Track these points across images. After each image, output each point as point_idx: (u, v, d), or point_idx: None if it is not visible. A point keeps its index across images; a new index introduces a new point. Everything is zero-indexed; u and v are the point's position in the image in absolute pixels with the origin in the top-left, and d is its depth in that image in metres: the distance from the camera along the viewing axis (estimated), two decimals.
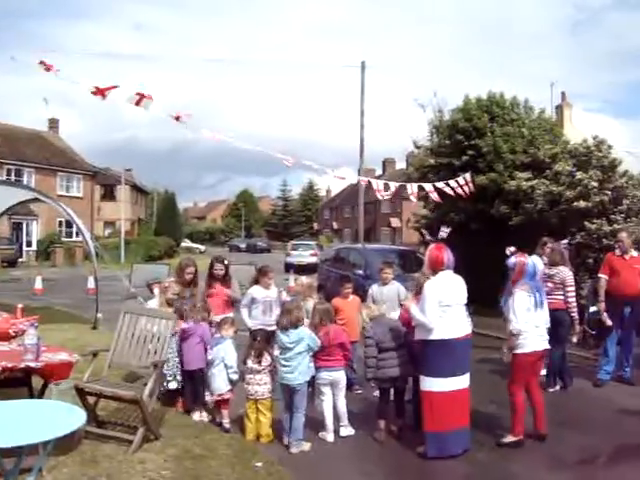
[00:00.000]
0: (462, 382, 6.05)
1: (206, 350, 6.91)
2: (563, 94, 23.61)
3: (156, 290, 8.42)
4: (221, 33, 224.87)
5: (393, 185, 12.98)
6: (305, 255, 34.21)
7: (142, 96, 9.88)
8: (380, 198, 13.48)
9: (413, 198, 12.68)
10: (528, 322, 6.28)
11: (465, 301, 6.17)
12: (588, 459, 6.11)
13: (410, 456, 6.07)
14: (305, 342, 6.27)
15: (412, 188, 12.43)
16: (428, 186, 12.69)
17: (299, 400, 6.27)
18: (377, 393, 6.91)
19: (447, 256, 6.19)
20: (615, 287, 8.85)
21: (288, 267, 30.67)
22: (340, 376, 6.56)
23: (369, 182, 14.28)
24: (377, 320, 6.75)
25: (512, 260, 6.56)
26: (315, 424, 6.56)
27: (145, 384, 6.31)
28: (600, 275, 9.22)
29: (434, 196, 12.58)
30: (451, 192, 12.01)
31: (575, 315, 8.45)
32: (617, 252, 9.04)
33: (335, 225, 79.33)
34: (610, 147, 13.79)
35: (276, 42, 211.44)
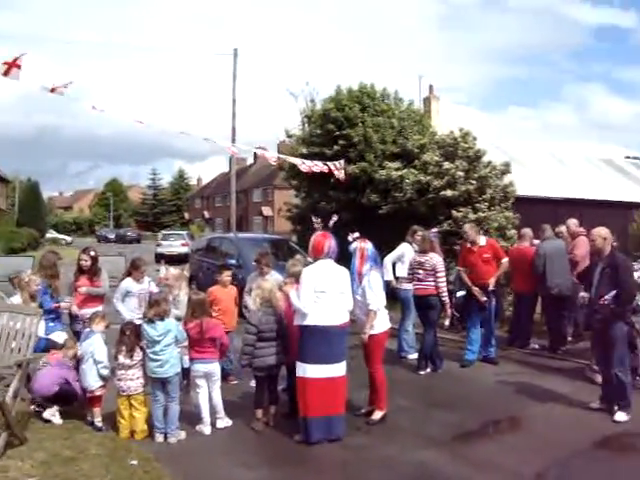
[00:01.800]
0: (337, 370, 6.11)
1: None
2: (431, 87, 24.35)
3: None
4: (89, 16, 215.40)
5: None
6: (176, 245, 33.48)
7: (11, 65, 8.62)
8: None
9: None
10: (383, 302, 6.68)
11: (344, 289, 6.23)
12: (457, 436, 6.36)
13: (288, 444, 6.08)
14: (173, 334, 6.16)
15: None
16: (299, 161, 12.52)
17: (172, 390, 6.16)
18: (253, 383, 6.87)
19: (329, 244, 6.25)
20: (471, 276, 9.32)
21: (158, 258, 29.91)
22: (214, 368, 6.46)
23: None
24: (263, 307, 6.63)
25: (353, 245, 6.89)
26: (191, 417, 6.45)
27: (8, 385, 5.86)
28: (458, 268, 9.73)
29: (304, 167, 12.28)
30: (324, 168, 11.88)
31: (446, 300, 8.80)
32: (467, 244, 9.49)
33: (207, 214, 78.33)
34: (475, 139, 14.40)
35: (148, 27, 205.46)
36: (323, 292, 6.04)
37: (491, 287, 9.17)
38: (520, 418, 7.10)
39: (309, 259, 6.64)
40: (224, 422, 6.50)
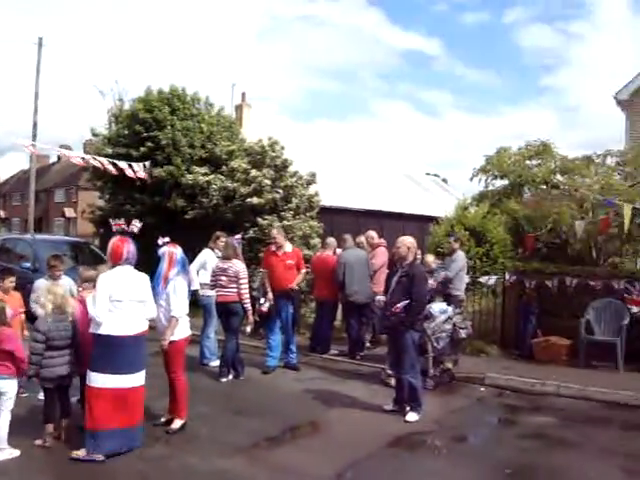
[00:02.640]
0: (131, 380, 5.82)
1: None
2: (243, 95, 24.50)
3: None
4: None
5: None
6: None
7: None
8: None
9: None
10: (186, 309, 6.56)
11: (144, 298, 6.00)
12: (258, 442, 6.34)
13: (78, 460, 5.64)
14: None
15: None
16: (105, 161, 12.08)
17: None
18: (42, 395, 6.35)
19: (127, 249, 5.96)
20: (271, 281, 9.45)
21: None
22: (7, 386, 5.73)
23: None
24: (54, 313, 6.15)
25: (163, 249, 6.73)
26: None
27: None
28: (261, 270, 9.79)
29: (110, 168, 11.81)
30: (131, 174, 11.50)
31: (248, 307, 8.80)
32: (272, 247, 9.60)
33: (2, 214, 73.12)
34: (283, 148, 14.62)
35: None
36: (119, 301, 5.74)
37: (293, 285, 9.41)
38: (319, 422, 7.25)
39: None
40: (6, 454, 5.63)
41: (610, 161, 12.52)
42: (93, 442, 5.62)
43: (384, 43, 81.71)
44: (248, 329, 9.21)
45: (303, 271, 9.76)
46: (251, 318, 9.00)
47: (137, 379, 5.88)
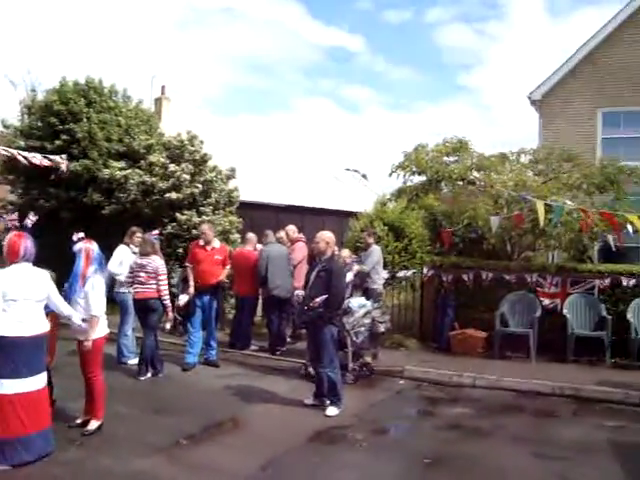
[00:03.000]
0: (32, 383, 5.55)
1: None
2: (163, 88, 23.98)
3: None
4: None
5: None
6: None
7: None
8: None
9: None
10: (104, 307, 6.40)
11: (41, 297, 5.73)
12: (177, 441, 6.26)
13: None
14: None
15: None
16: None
17: None
18: None
19: (25, 246, 5.64)
20: (197, 275, 9.40)
21: None
22: None
23: None
24: None
25: (78, 246, 6.51)
26: None
27: None
28: (186, 264, 9.73)
29: (22, 159, 11.36)
30: (45, 162, 11.06)
31: (167, 303, 8.69)
32: (201, 242, 9.54)
33: None
34: (202, 142, 14.44)
35: None
36: (14, 300, 5.45)
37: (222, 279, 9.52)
38: (240, 419, 7.23)
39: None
40: None
41: (524, 159, 12.90)
42: (3, 452, 5.38)
43: (305, 38, 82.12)
44: (167, 326, 9.12)
45: (228, 267, 9.77)
46: (170, 315, 8.90)
47: (39, 381, 5.64)
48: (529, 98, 18.52)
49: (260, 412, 7.41)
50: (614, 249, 12.92)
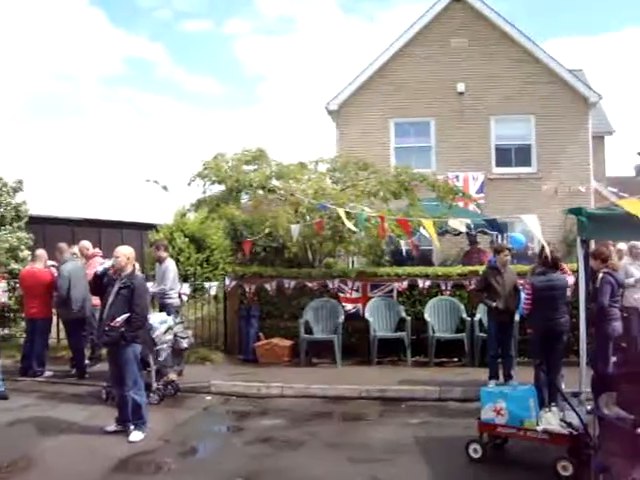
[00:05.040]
0: None
1: None
2: None
3: None
4: None
5: None
6: None
7: None
8: None
9: None
10: None
11: None
12: None
13: None
14: None
15: None
16: None
17: None
18: None
19: None
20: None
21: None
22: None
23: None
24: None
25: None
26: None
27: None
28: None
29: None
30: None
31: None
32: None
33: None
34: None
35: None
36: None
37: None
38: (34, 455, 6.48)
39: None
40: None
41: (322, 167, 13.12)
42: None
43: (105, 46, 78.62)
44: None
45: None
46: None
47: None
48: (326, 108, 19.02)
49: (57, 446, 6.75)
50: (404, 253, 13.59)
